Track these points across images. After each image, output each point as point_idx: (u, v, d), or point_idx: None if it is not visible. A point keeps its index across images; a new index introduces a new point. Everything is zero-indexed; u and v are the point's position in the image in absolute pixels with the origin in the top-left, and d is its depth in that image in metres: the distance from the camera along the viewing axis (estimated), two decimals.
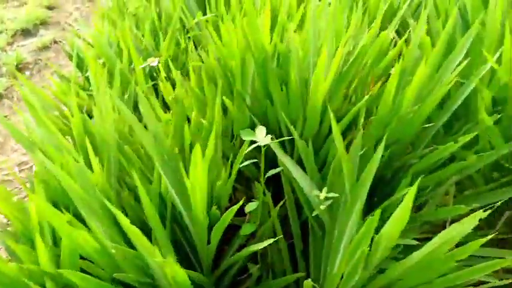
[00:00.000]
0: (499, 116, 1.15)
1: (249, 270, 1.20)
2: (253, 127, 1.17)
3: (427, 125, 1.20)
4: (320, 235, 1.08)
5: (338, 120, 1.20)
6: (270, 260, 1.16)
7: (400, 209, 0.83)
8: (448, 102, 1.25)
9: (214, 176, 1.09)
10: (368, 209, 1.17)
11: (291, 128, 1.14)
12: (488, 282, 1.04)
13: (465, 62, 1.15)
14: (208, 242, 1.02)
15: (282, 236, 1.10)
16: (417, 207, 1.28)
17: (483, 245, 1.36)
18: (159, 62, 1.46)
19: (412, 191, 0.78)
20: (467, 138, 1.05)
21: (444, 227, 1.19)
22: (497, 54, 1.16)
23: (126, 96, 1.62)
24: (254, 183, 1.28)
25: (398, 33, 1.80)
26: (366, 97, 1.10)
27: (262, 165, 1.03)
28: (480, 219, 1.43)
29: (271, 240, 0.95)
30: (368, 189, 0.96)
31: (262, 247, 1.12)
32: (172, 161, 1.05)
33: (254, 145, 0.99)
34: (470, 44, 1.34)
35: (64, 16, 4.68)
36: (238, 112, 1.23)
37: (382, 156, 1.13)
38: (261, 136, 1.00)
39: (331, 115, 0.94)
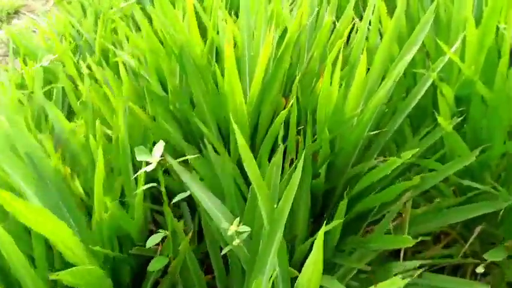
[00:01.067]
0: (460, 118, 0.95)
1: None
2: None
3: (377, 131, 1.00)
4: (240, 269, 0.90)
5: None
6: None
7: (313, 256, 0.64)
8: (406, 100, 1.05)
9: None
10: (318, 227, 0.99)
11: (210, 137, 0.95)
12: None
13: (411, 54, 0.93)
14: None
15: (198, 269, 0.92)
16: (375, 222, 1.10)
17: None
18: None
19: (320, 238, 0.59)
20: (409, 154, 0.85)
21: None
22: (458, 42, 0.95)
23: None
24: (180, 205, 1.10)
25: None
26: (293, 100, 0.89)
27: (162, 189, 0.84)
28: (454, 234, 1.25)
29: None
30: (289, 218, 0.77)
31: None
32: (58, 182, 0.87)
33: (147, 167, 0.80)
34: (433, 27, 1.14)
35: (40, 4, 4.47)
36: (153, 120, 1.04)
37: (319, 173, 0.93)
38: (158, 154, 0.80)
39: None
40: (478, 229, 1.07)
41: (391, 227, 1.00)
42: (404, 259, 1.07)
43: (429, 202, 1.16)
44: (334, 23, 1.33)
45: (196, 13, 1.58)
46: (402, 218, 1.04)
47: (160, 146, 0.81)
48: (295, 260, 0.96)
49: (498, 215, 1.01)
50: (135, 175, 0.84)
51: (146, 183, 0.93)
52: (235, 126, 0.73)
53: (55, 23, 2.02)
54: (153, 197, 1.12)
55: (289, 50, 0.94)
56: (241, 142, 0.74)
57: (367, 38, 1.31)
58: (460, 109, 0.99)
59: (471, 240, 1.08)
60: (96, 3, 1.95)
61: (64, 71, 1.46)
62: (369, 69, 1.04)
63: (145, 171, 0.84)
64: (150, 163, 0.80)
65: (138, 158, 0.82)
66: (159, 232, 0.88)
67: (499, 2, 0.91)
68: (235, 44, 1.21)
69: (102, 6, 1.92)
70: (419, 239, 0.82)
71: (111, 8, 1.67)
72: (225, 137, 1.10)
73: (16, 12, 4.22)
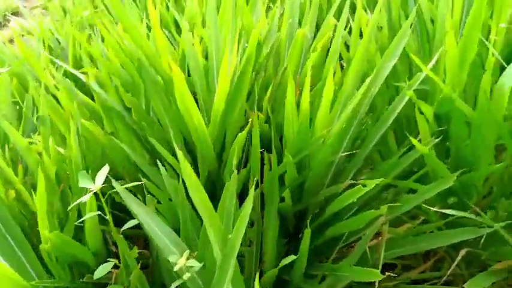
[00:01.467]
0: (439, 138, 0.87)
1: None
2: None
3: (351, 152, 0.93)
4: None
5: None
6: None
7: None
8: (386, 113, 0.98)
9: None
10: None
11: (168, 158, 0.88)
12: None
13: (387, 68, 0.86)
14: None
15: None
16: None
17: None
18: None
19: None
20: (374, 183, 0.77)
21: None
22: (436, 57, 0.87)
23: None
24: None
25: None
26: (255, 118, 0.82)
27: (109, 217, 0.77)
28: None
29: None
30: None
31: None
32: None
33: (85, 196, 0.74)
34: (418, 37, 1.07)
35: (34, 6, 4.43)
36: (111, 138, 0.97)
37: (283, 197, 0.86)
38: (101, 180, 0.74)
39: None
40: (463, 252, 1.00)
41: (367, 248, 0.93)
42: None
43: (412, 219, 1.09)
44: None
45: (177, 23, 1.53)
46: (379, 240, 0.97)
47: (104, 171, 0.75)
48: (264, 285, 0.89)
49: (481, 240, 0.94)
50: (79, 200, 0.77)
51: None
52: (178, 152, 0.66)
53: (37, 28, 1.96)
54: (114, 217, 1.05)
55: (250, 63, 0.87)
56: (185, 166, 0.67)
57: (348, 48, 1.24)
58: (442, 128, 0.91)
59: (456, 262, 1.01)
60: (77, 8, 1.89)
61: (36, 79, 1.40)
62: None
63: (93, 197, 0.78)
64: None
65: (81, 184, 0.75)
66: (110, 261, 0.81)
67: (481, 13, 0.83)
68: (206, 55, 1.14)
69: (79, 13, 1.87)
70: (386, 274, 0.74)
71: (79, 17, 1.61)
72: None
73: (13, 14, 4.19)
